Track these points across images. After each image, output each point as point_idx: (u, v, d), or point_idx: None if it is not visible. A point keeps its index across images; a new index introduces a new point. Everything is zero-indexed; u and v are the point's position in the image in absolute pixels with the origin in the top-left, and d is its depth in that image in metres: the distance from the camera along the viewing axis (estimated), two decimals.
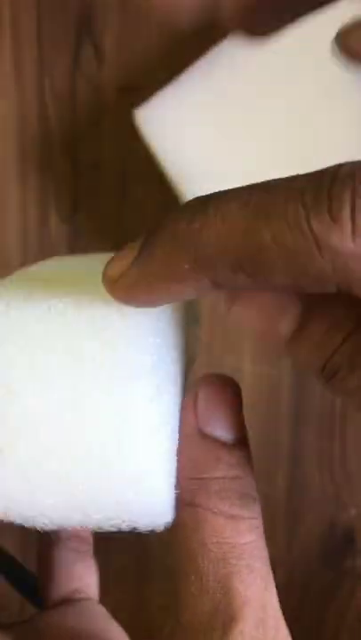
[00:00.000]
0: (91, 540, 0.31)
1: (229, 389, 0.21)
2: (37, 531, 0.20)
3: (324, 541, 0.49)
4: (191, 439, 0.20)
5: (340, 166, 0.17)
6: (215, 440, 0.20)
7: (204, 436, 0.20)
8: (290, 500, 0.48)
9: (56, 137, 0.50)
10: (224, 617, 0.19)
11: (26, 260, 0.50)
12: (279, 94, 0.42)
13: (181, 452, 0.21)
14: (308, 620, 0.48)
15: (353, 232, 0.16)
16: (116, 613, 0.29)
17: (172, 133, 0.43)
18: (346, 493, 0.49)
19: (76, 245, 0.50)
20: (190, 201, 0.19)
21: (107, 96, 0.44)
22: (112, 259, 0.20)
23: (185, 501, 0.20)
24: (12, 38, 0.51)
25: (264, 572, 0.20)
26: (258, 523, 0.20)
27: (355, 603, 0.49)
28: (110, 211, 0.50)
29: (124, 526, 0.20)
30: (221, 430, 0.20)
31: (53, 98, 0.50)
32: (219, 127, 0.43)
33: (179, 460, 0.20)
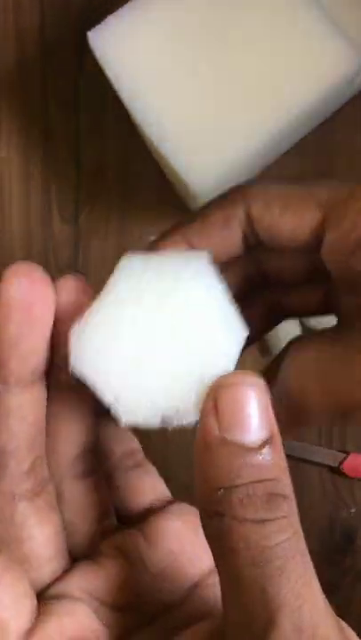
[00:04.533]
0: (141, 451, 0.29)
1: (251, 388, 0.20)
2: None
3: (324, 541, 0.49)
4: (214, 447, 0.20)
5: None
6: (239, 446, 0.20)
7: (227, 443, 0.20)
8: None
9: (59, 138, 0.51)
10: (261, 622, 0.19)
11: (29, 260, 0.50)
12: (236, 16, 0.42)
13: (204, 461, 0.20)
14: None
15: None
16: None
17: (126, 54, 0.42)
18: (346, 493, 0.49)
19: (79, 246, 0.50)
20: None
21: (109, 98, 0.44)
22: None
23: (210, 513, 0.20)
24: (16, 39, 0.51)
25: (300, 570, 0.20)
26: (289, 521, 0.20)
27: (355, 602, 0.49)
28: (113, 211, 0.50)
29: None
30: (244, 434, 0.20)
31: (56, 99, 0.51)
32: (173, 48, 0.42)
33: (203, 470, 0.20)
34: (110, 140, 0.50)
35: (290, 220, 0.25)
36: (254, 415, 0.20)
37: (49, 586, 0.24)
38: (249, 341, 0.28)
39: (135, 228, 0.50)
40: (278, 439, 0.20)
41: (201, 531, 0.21)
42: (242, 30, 0.42)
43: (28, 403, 0.23)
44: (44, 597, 0.23)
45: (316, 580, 0.20)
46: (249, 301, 0.28)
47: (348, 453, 0.49)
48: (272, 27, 0.42)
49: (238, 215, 0.25)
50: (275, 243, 0.25)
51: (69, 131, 0.51)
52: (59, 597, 0.23)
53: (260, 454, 0.20)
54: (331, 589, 0.49)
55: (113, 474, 0.28)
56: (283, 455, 0.20)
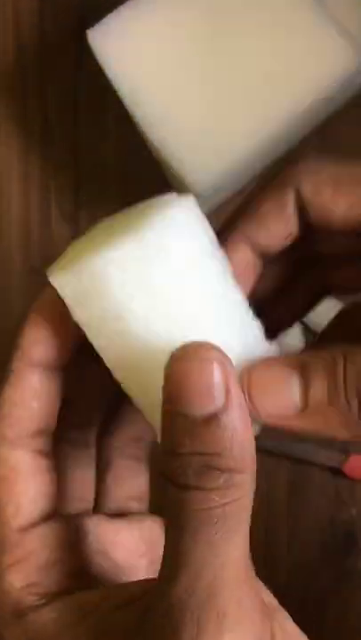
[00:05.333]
0: (147, 449, 0.30)
1: (201, 362, 0.20)
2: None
3: (324, 541, 0.49)
4: (165, 416, 0.21)
5: None
6: (183, 416, 0.20)
7: (174, 414, 0.20)
8: (290, 500, 0.48)
9: (58, 138, 0.51)
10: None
11: (28, 259, 0.50)
12: (236, 15, 0.42)
13: (162, 428, 0.21)
14: (308, 619, 0.48)
15: None
16: None
17: (125, 53, 0.42)
18: (346, 493, 0.49)
19: None
20: None
21: (109, 97, 0.44)
22: None
23: (161, 473, 0.21)
24: (15, 39, 0.51)
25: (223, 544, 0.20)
26: (223, 494, 0.20)
27: (355, 602, 0.49)
28: (112, 210, 0.50)
29: None
30: (187, 406, 0.20)
31: (56, 99, 0.51)
32: (173, 47, 0.42)
33: (161, 436, 0.21)
34: (110, 140, 0.50)
35: (342, 201, 0.24)
36: (204, 387, 0.20)
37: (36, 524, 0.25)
38: (293, 319, 0.29)
39: None
40: (236, 410, 0.20)
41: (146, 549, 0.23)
42: (242, 30, 0.42)
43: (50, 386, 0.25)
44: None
45: (243, 561, 0.21)
46: (295, 279, 0.29)
47: (349, 455, 0.49)
48: (272, 26, 0.41)
49: (290, 201, 0.25)
50: (327, 225, 0.25)
51: (69, 131, 0.50)
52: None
53: (204, 428, 0.20)
54: (331, 590, 0.49)
55: (107, 452, 0.29)
56: (241, 425, 0.21)
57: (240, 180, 0.46)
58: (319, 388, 0.22)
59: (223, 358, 0.21)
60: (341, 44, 0.41)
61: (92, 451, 0.29)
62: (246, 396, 0.22)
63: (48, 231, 0.50)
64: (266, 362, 0.23)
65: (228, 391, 0.20)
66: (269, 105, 0.41)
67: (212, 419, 0.20)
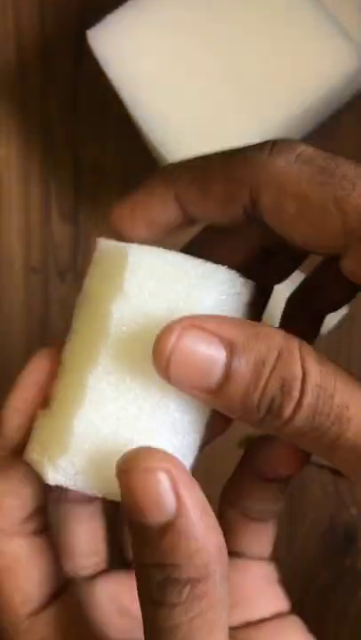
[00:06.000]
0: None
1: (152, 471, 0.20)
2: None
3: (324, 541, 0.49)
4: (129, 525, 0.21)
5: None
6: (142, 528, 0.20)
7: (133, 524, 0.20)
8: (290, 500, 0.48)
9: (58, 137, 0.51)
10: None
11: (28, 260, 0.50)
12: (236, 14, 0.42)
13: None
14: (308, 619, 0.48)
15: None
16: None
17: (125, 53, 0.42)
18: (346, 493, 0.49)
19: (79, 246, 0.50)
20: None
21: (109, 97, 0.44)
22: None
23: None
24: (15, 39, 0.51)
25: None
26: (187, 607, 0.20)
27: (355, 602, 0.49)
28: (112, 211, 0.50)
29: None
30: (145, 517, 0.19)
31: (56, 98, 0.51)
32: (173, 47, 0.42)
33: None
34: (110, 140, 0.50)
35: (303, 228, 0.21)
36: (149, 499, 0.19)
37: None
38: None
39: None
40: (188, 517, 0.19)
41: None
42: (242, 30, 0.42)
43: None
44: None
45: None
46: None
47: None
48: (272, 26, 0.41)
49: (243, 197, 0.22)
50: (282, 237, 0.22)
51: (69, 131, 0.50)
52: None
53: (162, 538, 0.19)
54: (331, 590, 0.49)
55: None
56: (192, 536, 0.19)
57: None
58: (240, 377, 0.20)
59: (168, 462, 0.20)
60: (341, 43, 0.41)
61: (97, 503, 0.28)
62: (170, 356, 0.20)
63: (48, 231, 0.50)
64: (195, 320, 0.21)
65: (178, 496, 0.19)
66: (269, 105, 0.41)
67: (168, 527, 0.19)
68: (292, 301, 0.28)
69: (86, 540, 0.27)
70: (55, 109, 0.51)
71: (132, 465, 0.20)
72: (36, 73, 0.51)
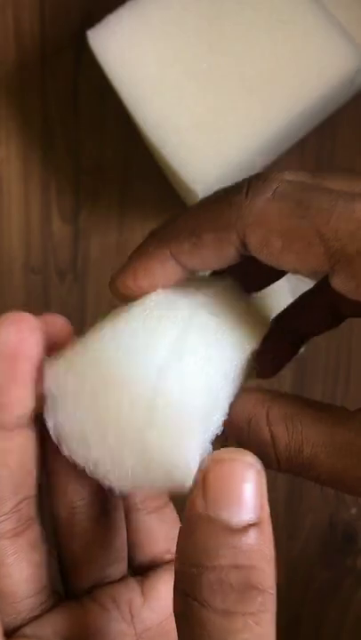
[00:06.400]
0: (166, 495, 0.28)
1: (245, 467, 0.19)
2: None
3: (324, 541, 0.49)
4: (195, 521, 0.19)
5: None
6: (221, 524, 0.19)
7: (210, 520, 0.19)
8: (290, 500, 0.48)
9: (58, 138, 0.51)
10: None
11: (28, 260, 0.50)
12: (236, 14, 0.42)
13: (184, 534, 0.19)
14: (308, 619, 0.48)
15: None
16: None
17: (126, 54, 0.42)
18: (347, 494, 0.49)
19: (79, 246, 0.50)
20: None
21: (109, 97, 0.44)
22: None
23: (179, 590, 0.19)
24: (15, 39, 0.51)
25: None
26: (257, 619, 0.18)
27: (355, 602, 0.49)
28: (112, 211, 0.50)
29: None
30: (229, 513, 0.18)
31: (56, 99, 0.51)
32: (173, 47, 0.42)
33: (182, 545, 0.19)
34: (110, 140, 0.50)
35: (291, 259, 0.23)
36: (244, 495, 0.19)
37: (27, 622, 0.23)
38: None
39: (135, 228, 0.50)
40: (268, 527, 0.19)
41: None
42: (242, 30, 0.42)
43: (14, 448, 0.23)
44: (18, 635, 0.23)
45: None
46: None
47: None
48: (272, 26, 0.42)
49: (233, 241, 0.24)
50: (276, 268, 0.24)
51: (69, 131, 0.50)
52: (31, 638, 0.23)
53: (244, 538, 0.18)
54: (331, 590, 0.49)
55: (129, 514, 0.27)
56: (270, 545, 0.19)
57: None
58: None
59: (258, 463, 0.19)
60: (341, 43, 0.41)
61: (119, 514, 0.27)
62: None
63: (48, 231, 0.50)
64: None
65: (263, 501, 0.19)
66: (269, 105, 0.41)
67: (253, 528, 0.19)
68: (278, 320, 0.30)
69: (28, 579, 0.25)
70: (55, 109, 0.51)
71: (228, 456, 0.19)
72: (36, 73, 0.51)
